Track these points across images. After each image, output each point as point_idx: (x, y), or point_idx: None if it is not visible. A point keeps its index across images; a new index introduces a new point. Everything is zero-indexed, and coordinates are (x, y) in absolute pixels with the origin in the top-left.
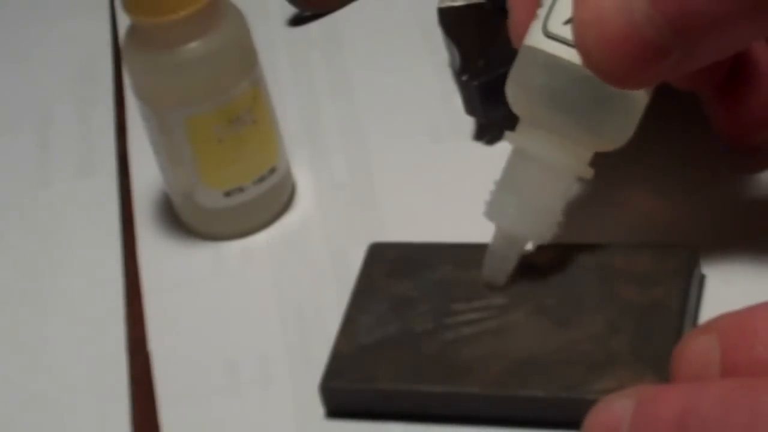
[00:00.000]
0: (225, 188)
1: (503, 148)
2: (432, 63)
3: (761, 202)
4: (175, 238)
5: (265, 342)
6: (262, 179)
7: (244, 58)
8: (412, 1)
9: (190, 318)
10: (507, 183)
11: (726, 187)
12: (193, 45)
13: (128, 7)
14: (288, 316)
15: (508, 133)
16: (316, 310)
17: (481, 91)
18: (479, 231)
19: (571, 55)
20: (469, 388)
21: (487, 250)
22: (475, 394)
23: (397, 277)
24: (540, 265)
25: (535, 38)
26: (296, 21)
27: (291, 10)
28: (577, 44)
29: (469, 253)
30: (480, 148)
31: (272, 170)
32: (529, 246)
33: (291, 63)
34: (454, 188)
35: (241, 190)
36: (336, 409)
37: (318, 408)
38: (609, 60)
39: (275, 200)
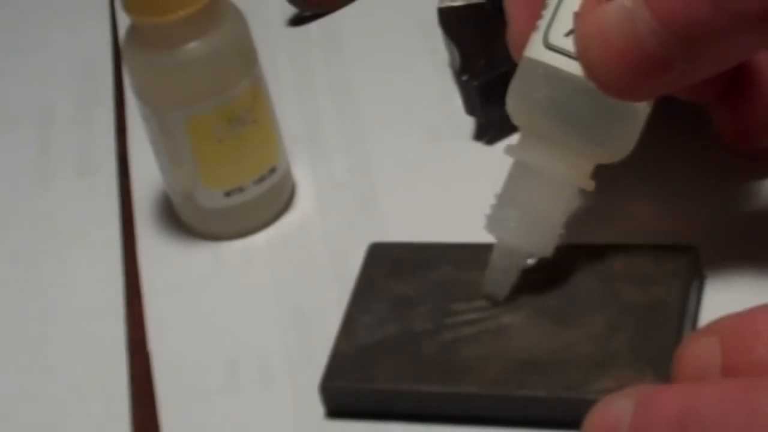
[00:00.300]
0: (225, 188)
1: (503, 148)
2: (432, 63)
3: (761, 202)
4: (175, 238)
5: (265, 342)
6: (262, 179)
7: (244, 58)
8: (412, 1)
9: (190, 318)
10: (508, 196)
11: (726, 188)
12: (193, 45)
13: (128, 7)
14: (288, 316)
15: (508, 146)
16: (316, 310)
17: (481, 91)
18: (479, 231)
19: (573, 67)
20: (469, 388)
21: (488, 264)
22: (475, 394)
23: (397, 277)
24: (540, 266)
25: (536, 50)
26: (296, 21)
27: (291, 10)
28: (580, 57)
29: (469, 253)
30: (480, 148)
31: (272, 170)
32: (531, 260)
33: (291, 63)
34: (454, 188)
35: (241, 190)
36: (336, 409)
37: (318, 408)
38: (612, 73)
39: (275, 200)
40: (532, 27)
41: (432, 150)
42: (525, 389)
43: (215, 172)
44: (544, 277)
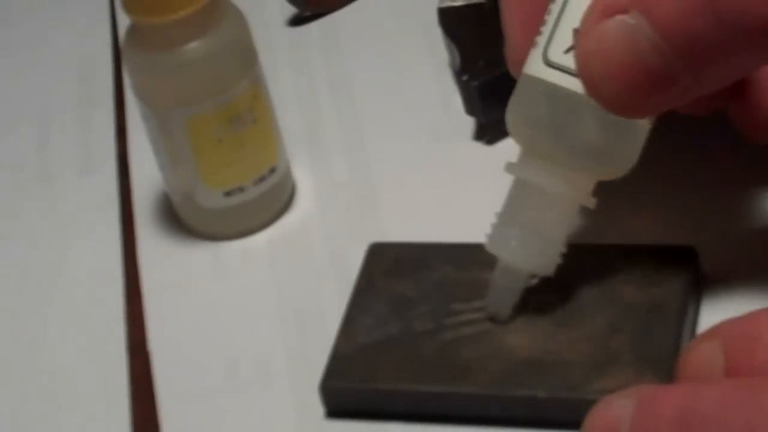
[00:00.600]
0: (225, 188)
1: (503, 148)
2: (432, 63)
3: (761, 203)
4: (175, 238)
5: (265, 342)
6: (262, 179)
7: (244, 58)
8: (412, 1)
9: (190, 318)
10: (509, 215)
11: (726, 188)
12: (193, 45)
13: (128, 7)
14: (288, 316)
15: (508, 164)
16: (316, 310)
17: (481, 91)
18: (479, 231)
19: (573, 84)
20: (469, 388)
21: (490, 284)
22: (475, 394)
23: (397, 277)
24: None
25: (535, 67)
26: (296, 21)
27: (291, 10)
28: (581, 74)
29: (469, 253)
30: (480, 148)
31: (272, 170)
32: (534, 280)
33: (291, 63)
34: (454, 188)
35: (241, 190)
36: (336, 409)
37: (318, 408)
38: (614, 90)
39: (275, 200)
40: (530, 43)
41: (432, 150)
42: (525, 389)
43: (215, 172)
44: (545, 277)
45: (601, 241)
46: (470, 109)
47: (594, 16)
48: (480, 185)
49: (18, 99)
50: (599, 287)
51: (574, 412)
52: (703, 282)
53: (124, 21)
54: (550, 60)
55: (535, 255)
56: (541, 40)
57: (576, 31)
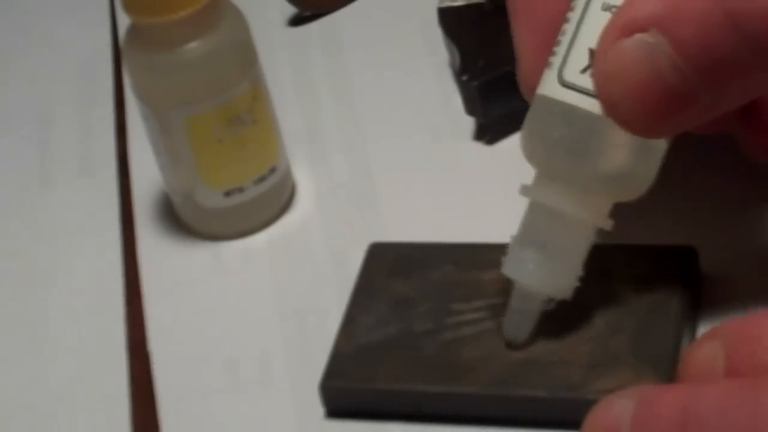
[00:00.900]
0: (225, 188)
1: (503, 148)
2: (432, 63)
3: (761, 202)
4: (175, 238)
5: (265, 342)
6: (262, 179)
7: (244, 58)
8: (412, 1)
9: (190, 318)
10: (525, 238)
11: (726, 188)
12: (193, 45)
13: (128, 7)
14: (288, 316)
15: (524, 187)
16: (316, 310)
17: (481, 91)
18: (479, 231)
19: (590, 105)
20: (469, 388)
21: (507, 309)
22: (475, 394)
23: (397, 277)
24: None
25: (550, 88)
26: (296, 21)
27: (291, 10)
28: (600, 94)
29: (469, 253)
30: (480, 148)
31: (272, 170)
32: (551, 304)
33: (291, 63)
34: (454, 188)
35: (241, 190)
36: (336, 409)
37: (318, 408)
38: (633, 110)
39: (275, 200)
40: (543, 65)
41: (432, 150)
42: (525, 389)
43: (215, 172)
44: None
45: (601, 241)
46: (470, 109)
47: (612, 36)
48: (480, 185)
49: (18, 99)
50: (599, 287)
51: (574, 412)
52: (703, 282)
53: (124, 21)
54: (566, 80)
55: (553, 278)
56: (556, 60)
57: (593, 51)
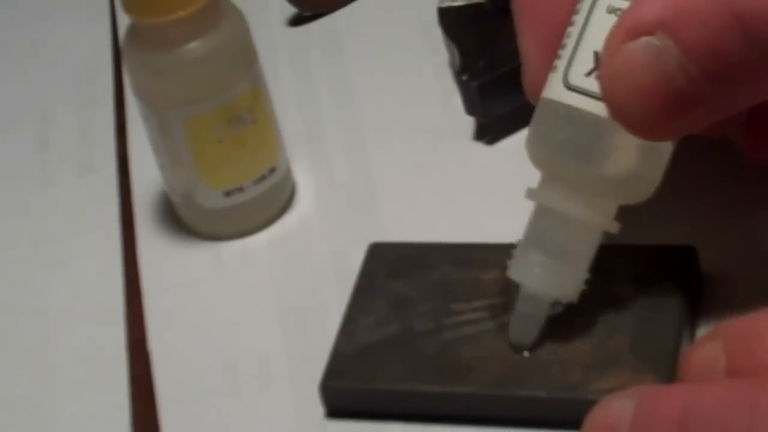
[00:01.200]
0: (225, 188)
1: (503, 148)
2: (432, 63)
3: (761, 202)
4: (175, 238)
5: (265, 342)
6: (262, 179)
7: (244, 58)
8: (412, 1)
9: (190, 318)
10: (531, 241)
11: (726, 188)
12: (193, 45)
13: (128, 7)
14: (288, 316)
15: (530, 190)
16: (316, 310)
17: (481, 91)
18: (479, 231)
19: (596, 108)
20: (469, 388)
21: (513, 313)
22: (475, 394)
23: (397, 277)
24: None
25: (555, 91)
26: (296, 21)
27: (291, 10)
28: (606, 97)
29: (469, 253)
30: (480, 148)
31: (272, 170)
32: (558, 308)
33: (291, 63)
34: (454, 188)
35: (241, 190)
36: (336, 409)
37: (318, 408)
38: (640, 112)
39: (275, 200)
40: (548, 68)
41: (432, 150)
42: (525, 389)
43: (215, 172)
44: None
45: (601, 241)
46: (470, 109)
47: (618, 38)
48: (480, 185)
49: (18, 99)
50: (599, 287)
51: (574, 412)
52: (703, 282)
53: (124, 21)
54: (571, 83)
55: (559, 281)
56: (561, 63)
57: (598, 54)
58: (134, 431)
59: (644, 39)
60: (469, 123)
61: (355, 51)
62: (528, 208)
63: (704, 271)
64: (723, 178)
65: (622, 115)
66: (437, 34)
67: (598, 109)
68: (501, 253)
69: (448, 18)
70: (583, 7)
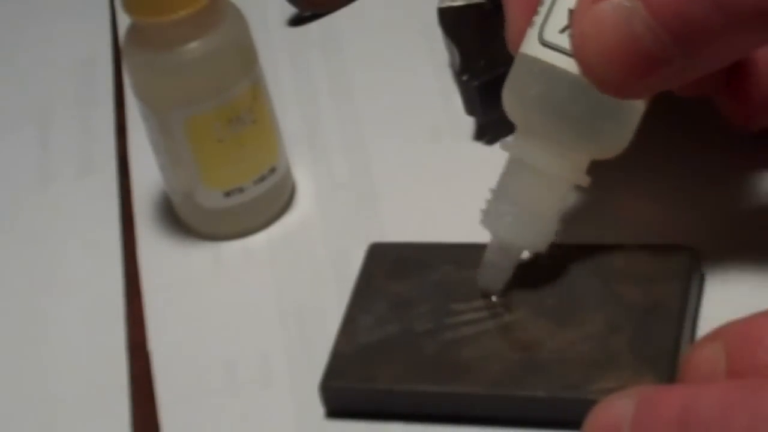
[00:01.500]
0: (225, 188)
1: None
2: (432, 63)
3: (761, 202)
4: (175, 238)
5: (265, 342)
6: (262, 179)
7: (244, 58)
8: (412, 1)
9: (190, 318)
10: (503, 192)
11: (726, 188)
12: (193, 45)
13: (128, 7)
14: (288, 316)
15: (503, 142)
16: (316, 310)
17: (481, 91)
18: (479, 231)
19: (567, 64)
20: (469, 388)
21: (482, 259)
22: (475, 394)
23: (397, 277)
24: (540, 266)
25: (531, 46)
26: (296, 21)
27: (291, 10)
28: (577, 55)
29: (469, 253)
30: (480, 148)
31: (272, 170)
32: (525, 254)
33: (291, 63)
34: (454, 188)
35: (241, 190)
36: (336, 409)
37: (318, 408)
38: (609, 71)
39: (275, 200)
40: (528, 22)
41: (432, 150)
42: (525, 389)
43: (215, 172)
44: (544, 277)
45: (601, 241)
46: (470, 109)
47: None
48: (480, 185)
49: (18, 99)
50: (599, 287)
51: (574, 412)
52: (703, 282)
53: (124, 21)
54: (546, 40)
55: (529, 231)
56: (538, 19)
57: (572, 12)
58: (134, 431)
59: (615, 0)
60: (469, 123)
61: (355, 51)
62: None
63: (704, 271)
64: (724, 179)
65: (591, 72)
66: (437, 34)
67: (570, 65)
68: None
69: (448, 18)
70: None
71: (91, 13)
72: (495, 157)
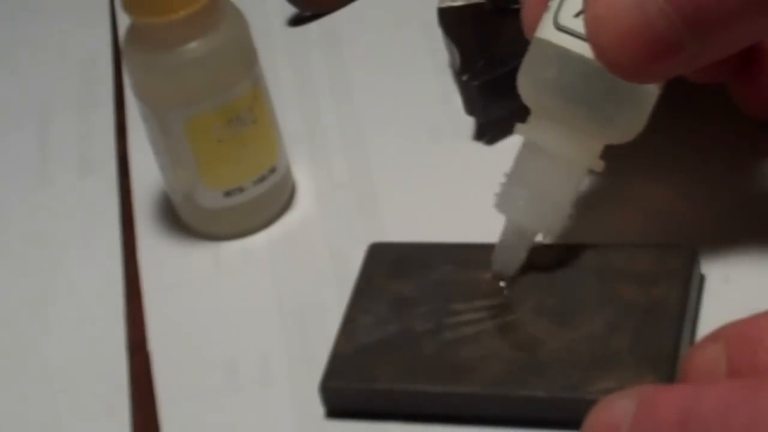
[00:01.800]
0: (225, 188)
1: (503, 148)
2: (432, 63)
3: (761, 202)
4: (175, 238)
5: (265, 342)
6: (262, 179)
7: (244, 58)
8: (412, 1)
9: (190, 318)
10: (517, 175)
11: (726, 187)
12: (193, 45)
13: (128, 7)
14: (288, 316)
15: (518, 126)
16: (316, 310)
17: (481, 91)
18: (479, 231)
19: (582, 48)
20: (469, 388)
21: (497, 242)
22: (475, 394)
23: (397, 277)
24: (540, 265)
25: (546, 30)
26: (296, 21)
27: (291, 10)
28: (590, 39)
29: (469, 253)
30: (480, 148)
31: (272, 170)
32: (539, 238)
33: (291, 63)
34: (454, 188)
35: (241, 190)
36: (336, 409)
37: (318, 408)
38: (622, 55)
39: (275, 200)
40: (544, 8)
41: (432, 150)
42: (525, 389)
43: (215, 172)
44: (544, 277)
45: (601, 241)
46: (470, 109)
47: None
48: (480, 185)
49: (18, 99)
50: (599, 287)
51: (574, 412)
52: (703, 282)
53: (124, 21)
54: (561, 24)
55: (543, 215)
56: (553, 4)
57: None
58: (134, 431)
59: None
60: (469, 123)
61: (355, 51)
62: None
63: (704, 272)
64: (724, 179)
65: (605, 56)
66: (437, 34)
67: (584, 49)
68: None
69: (448, 18)
70: None
71: (91, 13)
72: (495, 157)
